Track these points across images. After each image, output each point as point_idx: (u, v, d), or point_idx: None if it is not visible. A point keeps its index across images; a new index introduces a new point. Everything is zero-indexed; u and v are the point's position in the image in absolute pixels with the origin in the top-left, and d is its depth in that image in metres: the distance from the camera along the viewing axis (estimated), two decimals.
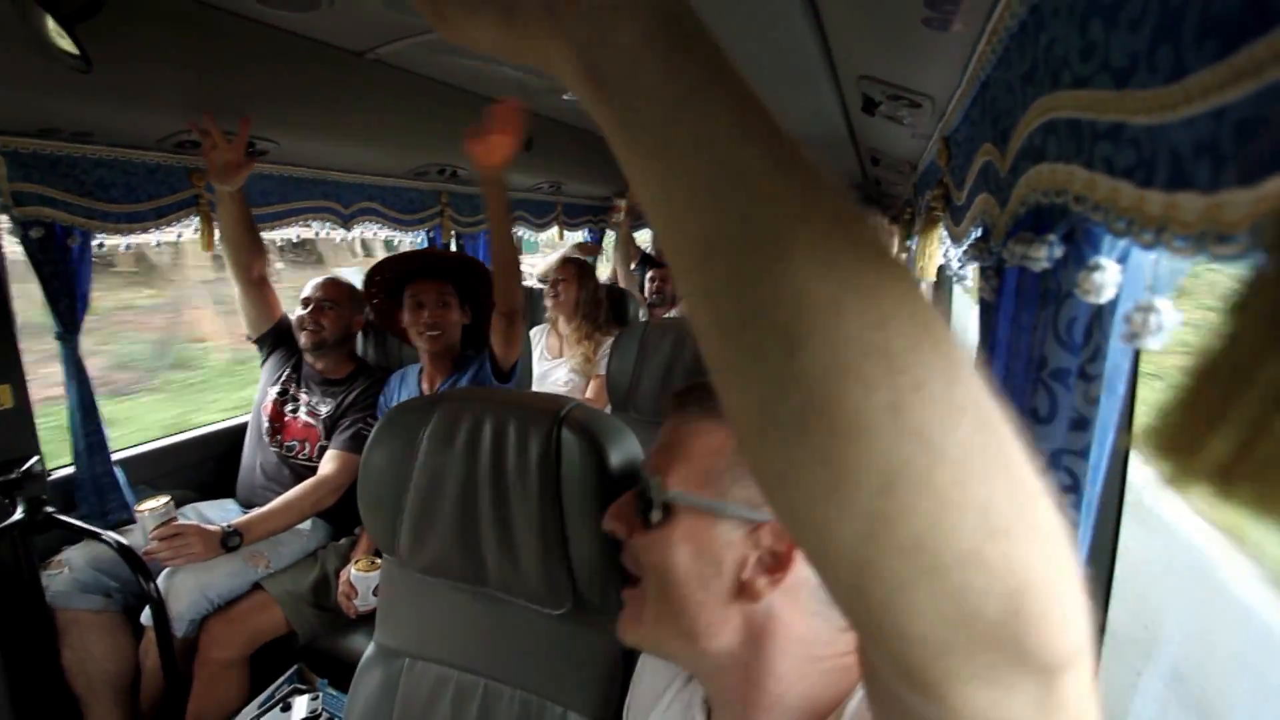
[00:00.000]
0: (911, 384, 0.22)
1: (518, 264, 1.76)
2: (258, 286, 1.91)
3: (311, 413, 1.93)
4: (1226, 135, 0.31)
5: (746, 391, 0.24)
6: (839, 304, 0.22)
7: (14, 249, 1.52)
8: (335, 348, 1.96)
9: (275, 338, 2.02)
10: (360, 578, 1.53)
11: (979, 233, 0.97)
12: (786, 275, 0.23)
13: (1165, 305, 0.41)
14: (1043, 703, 0.24)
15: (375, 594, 1.44)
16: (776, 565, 0.53)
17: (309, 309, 1.92)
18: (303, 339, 1.93)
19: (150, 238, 1.76)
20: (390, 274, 1.91)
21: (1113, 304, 0.54)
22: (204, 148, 1.55)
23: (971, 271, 1.11)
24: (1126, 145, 0.42)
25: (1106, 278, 0.51)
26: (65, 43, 0.98)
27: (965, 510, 0.22)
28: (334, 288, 1.97)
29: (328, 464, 1.83)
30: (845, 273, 0.23)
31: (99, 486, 1.72)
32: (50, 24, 0.95)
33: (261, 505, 1.76)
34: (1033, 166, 0.61)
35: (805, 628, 0.54)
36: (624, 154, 0.26)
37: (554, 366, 2.64)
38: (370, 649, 1.10)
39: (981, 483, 0.22)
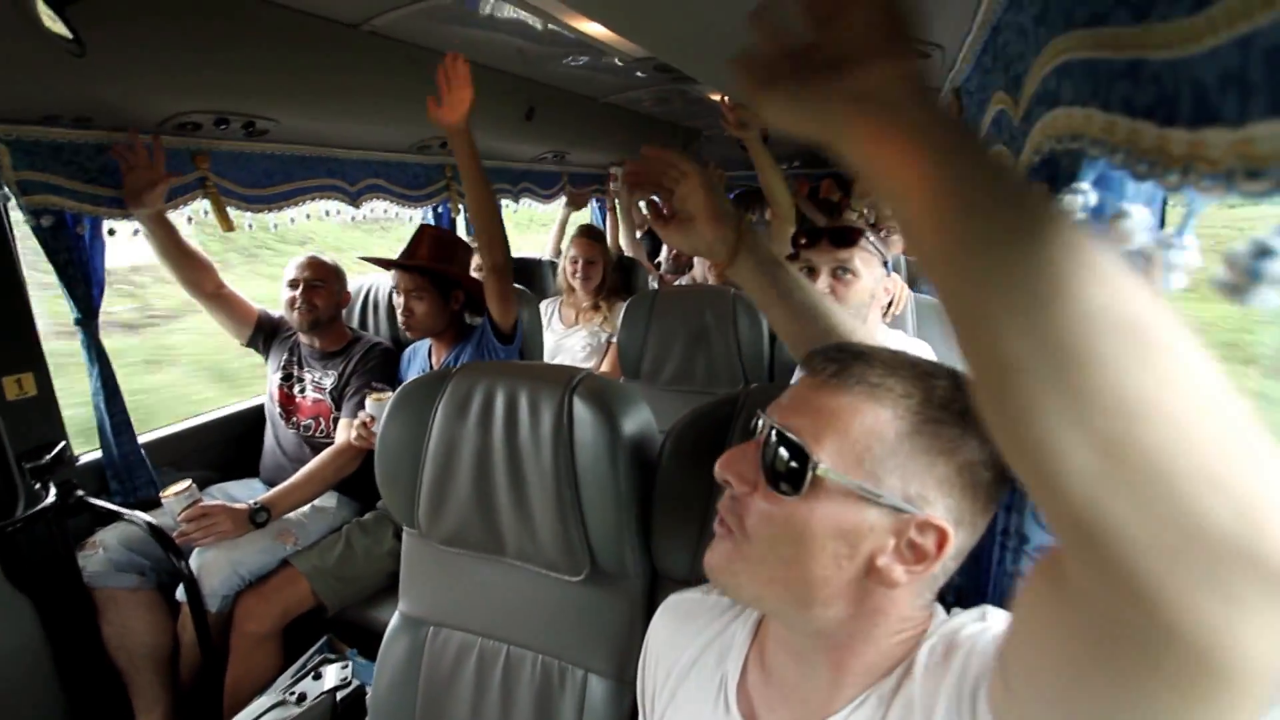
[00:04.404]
0: (1145, 333, 0.28)
1: (497, 218, 1.74)
2: (217, 298, 1.93)
3: (318, 388, 1.97)
4: (1256, 63, 0.29)
5: (1005, 342, 0.30)
6: (1083, 279, 0.29)
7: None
8: (329, 324, 2.00)
9: (265, 336, 2.07)
10: (376, 406, 1.58)
11: None
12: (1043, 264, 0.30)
13: (1188, 242, 0.39)
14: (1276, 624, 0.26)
15: None
16: (916, 558, 0.53)
17: (299, 289, 1.94)
18: (296, 319, 1.96)
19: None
20: (379, 261, 1.95)
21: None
22: (123, 168, 1.56)
23: None
24: (1147, 82, 0.40)
25: (1136, 223, 0.49)
26: (57, 26, 0.97)
27: (1194, 432, 0.27)
28: (320, 267, 1.99)
29: (341, 433, 1.87)
30: (1082, 261, 0.30)
31: (128, 465, 1.76)
32: (41, 7, 0.94)
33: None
34: (1048, 112, 0.59)
35: (909, 607, 0.56)
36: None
37: (568, 335, 2.64)
38: (395, 619, 1.13)
39: (1208, 411, 0.27)
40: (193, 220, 1.86)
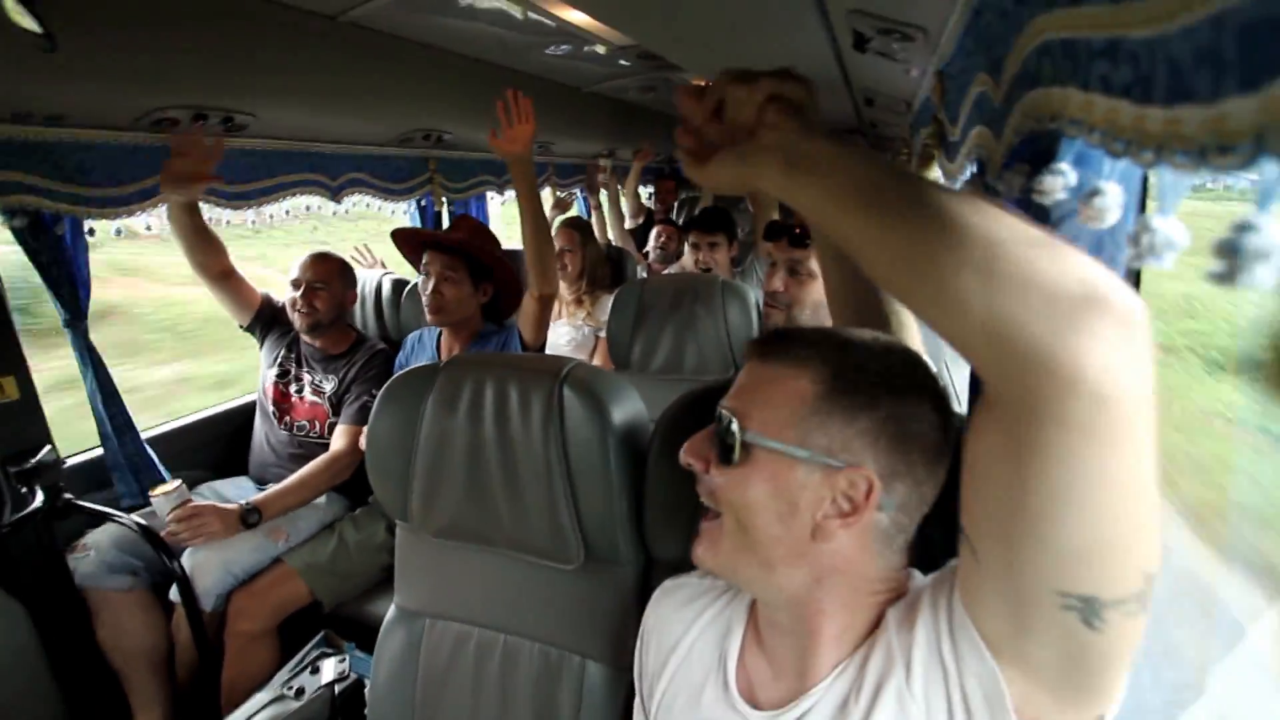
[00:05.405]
0: (990, 215, 0.42)
1: (552, 247, 1.75)
2: (224, 280, 1.90)
3: (316, 390, 1.94)
4: (1228, 41, 0.30)
5: (910, 245, 0.44)
6: (924, 200, 0.44)
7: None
8: (331, 325, 1.96)
9: (265, 322, 2.02)
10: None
11: (974, 169, 0.95)
12: (906, 217, 0.45)
13: (1170, 224, 0.40)
14: (1130, 344, 0.39)
15: None
16: (850, 510, 0.58)
17: (300, 290, 1.91)
18: (297, 321, 1.92)
19: (139, 220, 1.74)
20: (406, 241, 1.92)
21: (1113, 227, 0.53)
22: (174, 151, 1.56)
23: None
24: (1124, 61, 0.40)
25: (1109, 201, 0.50)
26: (27, 20, 0.95)
27: (1035, 249, 0.40)
28: (323, 267, 1.94)
29: (338, 439, 1.85)
30: (934, 201, 0.44)
31: (134, 467, 1.75)
32: (9, 1, 0.92)
33: (275, 482, 1.80)
34: (1027, 93, 0.60)
35: (869, 567, 0.61)
36: (813, 190, 0.50)
37: (551, 328, 2.64)
38: (391, 612, 1.13)
39: (1037, 236, 0.41)
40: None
